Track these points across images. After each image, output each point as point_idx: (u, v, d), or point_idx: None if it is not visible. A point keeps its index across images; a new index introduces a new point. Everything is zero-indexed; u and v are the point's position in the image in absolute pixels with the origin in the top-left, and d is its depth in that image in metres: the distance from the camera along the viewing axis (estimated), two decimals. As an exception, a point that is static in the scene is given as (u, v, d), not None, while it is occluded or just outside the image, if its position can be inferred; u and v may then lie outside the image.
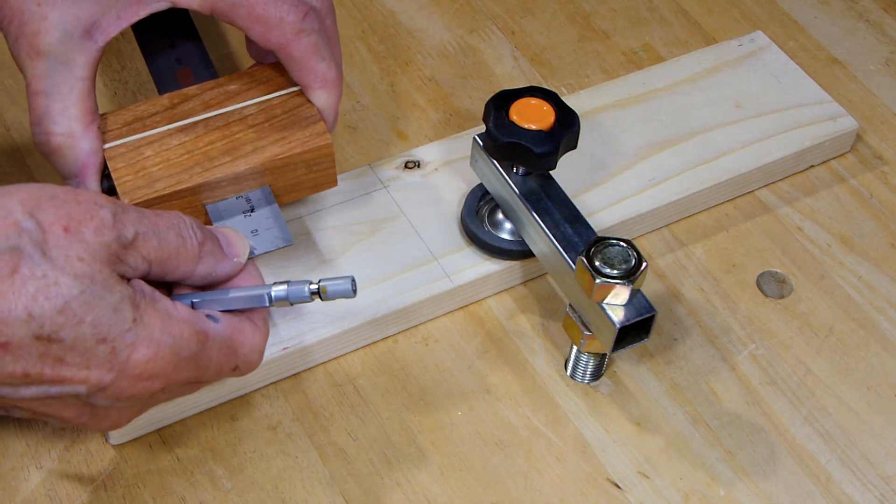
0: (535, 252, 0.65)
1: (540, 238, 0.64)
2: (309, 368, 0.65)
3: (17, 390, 0.49)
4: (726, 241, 0.71)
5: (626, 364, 0.66)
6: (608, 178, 0.71)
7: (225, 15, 0.61)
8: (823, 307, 0.68)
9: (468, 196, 0.69)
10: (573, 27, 0.83)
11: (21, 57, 0.59)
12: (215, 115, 0.62)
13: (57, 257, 0.47)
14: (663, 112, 0.75)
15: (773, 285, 0.70)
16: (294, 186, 0.63)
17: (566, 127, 0.63)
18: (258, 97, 0.63)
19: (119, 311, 0.49)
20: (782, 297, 0.69)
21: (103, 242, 0.49)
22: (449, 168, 0.72)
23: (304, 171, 0.63)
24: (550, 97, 0.64)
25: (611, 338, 0.59)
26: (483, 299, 0.68)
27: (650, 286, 0.69)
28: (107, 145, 0.61)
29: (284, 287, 0.55)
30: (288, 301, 0.55)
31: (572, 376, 0.65)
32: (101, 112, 0.62)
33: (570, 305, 0.62)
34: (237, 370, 0.55)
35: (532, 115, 0.63)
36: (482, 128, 0.73)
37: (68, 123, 0.59)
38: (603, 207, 0.69)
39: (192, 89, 0.64)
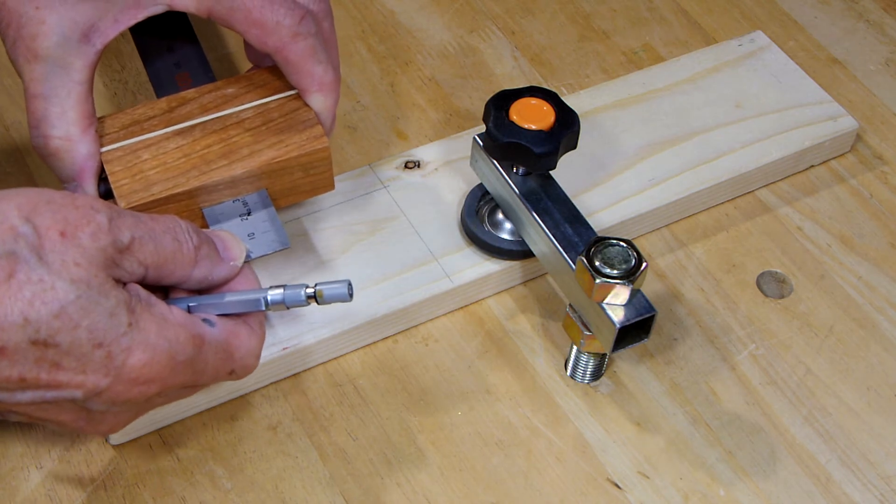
0: (535, 252, 0.65)
1: (540, 238, 0.64)
2: (309, 368, 0.65)
3: (13, 395, 0.49)
4: (726, 241, 0.71)
5: (626, 364, 0.66)
6: (608, 178, 0.71)
7: (222, 18, 0.61)
8: (823, 307, 0.68)
9: (468, 196, 0.69)
10: (573, 27, 0.83)
11: (19, 60, 0.59)
12: (212, 119, 0.62)
13: (53, 262, 0.47)
14: (663, 112, 0.75)
15: (773, 285, 0.70)
16: (291, 190, 0.63)
17: (566, 127, 0.63)
18: (255, 101, 0.63)
19: (115, 315, 0.49)
20: (782, 297, 0.69)
21: (99, 247, 0.49)
22: (449, 168, 0.72)
23: (301, 174, 0.63)
24: (550, 97, 0.64)
25: (611, 338, 0.59)
26: (483, 299, 0.68)
27: (650, 286, 0.69)
28: (104, 149, 0.61)
29: (281, 291, 0.55)
30: (284, 305, 0.55)
31: (572, 376, 0.65)
32: (98, 115, 0.62)
33: (570, 305, 0.62)
34: (233, 374, 0.55)
35: (532, 115, 0.63)
36: (482, 128, 0.73)
37: (66, 127, 0.59)
38: (603, 207, 0.69)
39: (189, 93, 0.64)
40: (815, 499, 0.61)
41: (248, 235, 0.61)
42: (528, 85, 0.76)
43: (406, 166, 0.72)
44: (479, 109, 0.78)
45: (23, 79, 0.59)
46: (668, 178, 0.71)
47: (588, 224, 0.63)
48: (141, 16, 0.61)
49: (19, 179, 0.73)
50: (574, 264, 0.61)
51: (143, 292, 0.51)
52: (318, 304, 0.55)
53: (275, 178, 0.62)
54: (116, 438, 0.61)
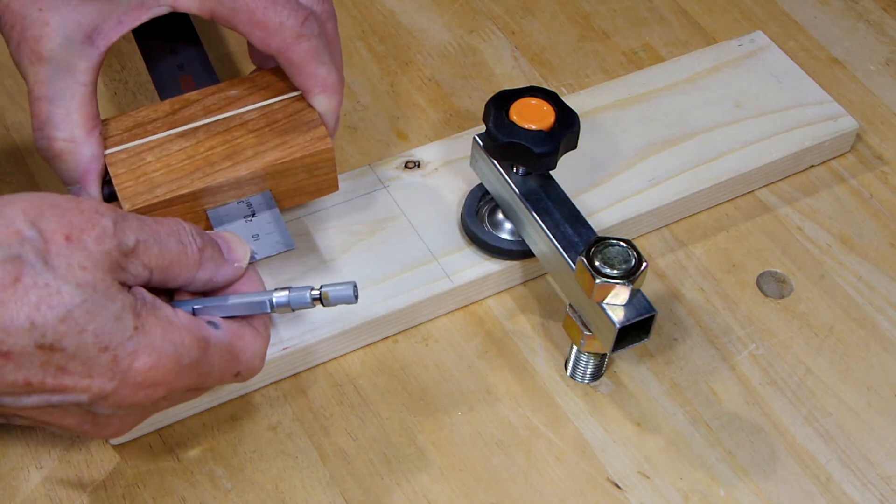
0: (535, 252, 0.65)
1: (540, 238, 0.64)
2: (309, 368, 0.65)
3: (19, 399, 0.49)
4: (726, 241, 0.71)
5: (626, 364, 0.66)
6: (608, 178, 0.71)
7: (225, 19, 0.61)
8: (823, 307, 0.68)
9: (468, 196, 0.69)
10: (573, 27, 0.83)
11: (23, 62, 0.59)
12: (216, 121, 0.62)
13: (59, 266, 0.47)
14: (663, 112, 0.75)
15: (773, 285, 0.70)
16: (295, 191, 0.63)
17: (566, 127, 0.63)
18: (259, 102, 0.63)
19: (121, 319, 0.49)
20: (782, 297, 0.69)
21: (105, 251, 0.49)
22: (449, 168, 0.72)
23: (305, 175, 0.63)
24: (550, 97, 0.64)
25: (611, 338, 0.59)
26: (483, 299, 0.68)
27: (650, 286, 0.69)
28: (107, 151, 0.61)
29: (286, 293, 0.55)
30: (290, 307, 0.55)
31: (572, 376, 0.65)
32: (102, 117, 0.62)
33: (570, 305, 0.62)
34: (239, 376, 0.55)
35: (532, 115, 0.63)
36: (482, 128, 0.73)
37: (70, 129, 0.59)
38: (603, 207, 0.69)
39: (193, 94, 0.64)
40: (815, 499, 0.61)
41: (253, 237, 0.61)
42: (528, 85, 0.76)
43: (406, 166, 0.72)
44: (479, 109, 0.78)
45: (27, 81, 0.59)
46: (668, 178, 0.71)
47: (588, 224, 0.63)
48: (144, 17, 0.61)
49: (20, 180, 0.73)
50: (574, 264, 0.61)
51: (148, 296, 0.51)
52: (323, 306, 0.55)
53: (279, 180, 0.62)
54: (116, 439, 0.61)
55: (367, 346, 0.66)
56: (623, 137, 0.73)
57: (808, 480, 0.61)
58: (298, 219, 0.68)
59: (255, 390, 0.64)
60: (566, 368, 0.65)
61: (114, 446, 0.62)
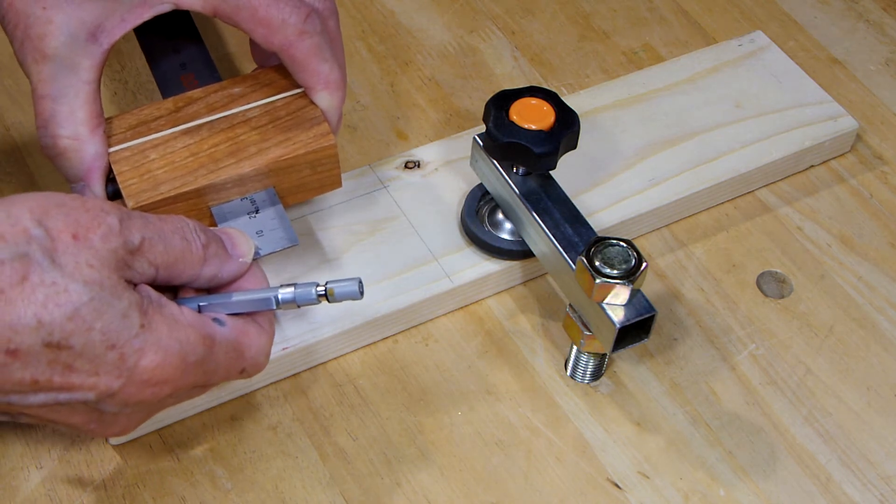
0: (535, 252, 0.65)
1: (540, 238, 0.64)
2: (309, 368, 0.65)
3: (26, 397, 0.49)
4: (726, 241, 0.71)
5: (626, 364, 0.66)
6: (608, 178, 0.71)
7: (228, 17, 0.61)
8: (823, 307, 0.68)
9: (468, 196, 0.69)
10: (573, 27, 0.83)
11: (27, 61, 0.59)
12: (219, 118, 0.63)
13: (66, 264, 0.48)
14: (663, 112, 0.75)
15: (773, 285, 0.70)
16: (299, 188, 0.63)
17: (566, 127, 0.63)
18: (262, 99, 0.63)
19: (127, 317, 0.49)
20: (782, 297, 0.69)
21: (111, 249, 0.49)
22: (449, 168, 0.72)
23: (309, 172, 0.63)
24: (550, 97, 0.64)
25: (611, 338, 0.59)
26: (483, 299, 0.68)
27: (650, 286, 0.69)
28: (111, 149, 0.61)
29: (291, 290, 0.55)
30: (295, 303, 0.55)
31: (572, 376, 0.65)
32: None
33: (570, 305, 0.62)
34: (244, 373, 0.55)
35: (532, 115, 0.63)
36: (482, 128, 0.73)
37: (74, 127, 0.59)
38: (603, 207, 0.69)
39: (196, 92, 0.64)
40: (815, 499, 0.61)
41: (257, 233, 0.61)
42: (528, 85, 0.76)
43: (406, 166, 0.72)
44: (479, 109, 0.78)
45: (30, 79, 0.59)
46: (668, 178, 0.71)
47: (588, 224, 0.63)
48: (147, 15, 0.61)
49: (20, 179, 0.73)
50: (574, 264, 0.61)
51: (153, 293, 0.51)
52: (328, 302, 0.55)
53: (282, 176, 0.62)
54: (117, 438, 0.61)
55: (368, 345, 0.66)
56: (623, 137, 0.73)
57: (808, 480, 0.61)
58: (299, 218, 0.68)
59: (256, 390, 0.64)
60: (566, 368, 0.65)
61: (114, 446, 0.62)
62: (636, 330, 0.60)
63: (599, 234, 0.63)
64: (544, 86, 0.79)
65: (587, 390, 0.65)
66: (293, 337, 0.63)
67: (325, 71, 0.62)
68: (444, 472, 0.61)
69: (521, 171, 0.65)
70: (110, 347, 0.48)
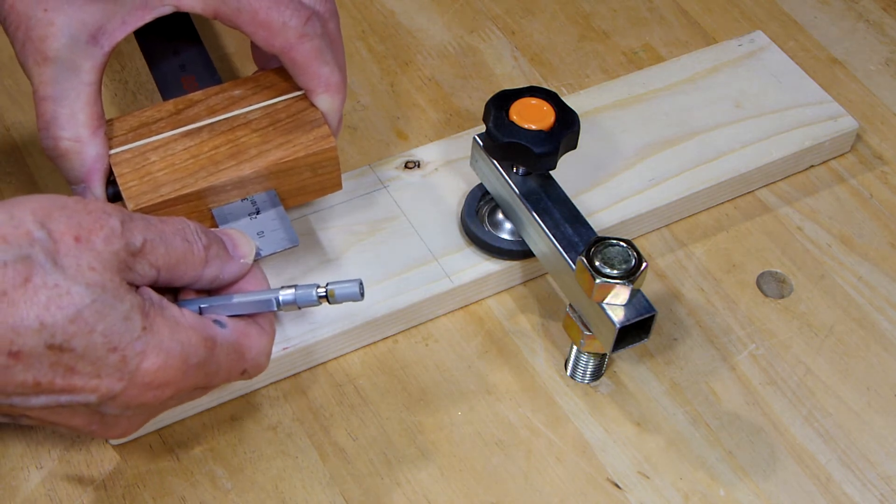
0: (535, 252, 0.65)
1: (540, 238, 0.64)
2: (309, 368, 0.65)
3: (28, 399, 0.49)
4: (726, 241, 0.71)
5: (626, 364, 0.66)
6: (608, 178, 0.71)
7: (228, 19, 0.61)
8: (823, 307, 0.68)
9: (468, 196, 0.69)
10: (573, 27, 0.83)
11: (28, 63, 0.59)
12: (220, 120, 0.63)
13: (68, 266, 0.48)
14: (663, 112, 0.75)
15: (773, 285, 0.70)
16: (299, 190, 0.63)
17: (566, 127, 0.63)
18: (262, 102, 0.63)
19: (129, 319, 0.49)
20: (782, 297, 0.69)
21: (113, 251, 0.49)
22: (449, 168, 0.72)
23: (309, 174, 0.63)
24: (550, 97, 0.64)
25: (611, 338, 0.59)
26: (483, 299, 0.68)
27: (650, 286, 0.69)
28: (112, 151, 0.61)
29: (292, 291, 0.55)
30: (296, 305, 0.55)
31: (572, 376, 0.65)
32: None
33: (570, 305, 0.62)
34: (245, 374, 0.55)
35: (532, 115, 0.63)
36: (482, 128, 0.73)
37: (76, 129, 0.59)
38: (603, 207, 0.69)
39: (196, 94, 0.64)
40: (815, 499, 0.61)
41: (258, 234, 0.61)
42: (528, 85, 0.76)
43: (406, 166, 0.72)
44: (479, 109, 0.78)
45: (31, 81, 0.60)
46: (668, 178, 0.71)
47: (588, 224, 0.63)
48: (148, 17, 0.61)
49: (20, 180, 0.73)
50: (574, 264, 0.61)
51: (155, 296, 0.51)
52: (329, 303, 0.55)
53: (283, 179, 0.62)
54: (117, 440, 0.61)
55: (368, 345, 0.66)
56: (623, 137, 0.73)
57: (808, 480, 0.61)
58: (299, 218, 0.68)
59: (255, 390, 0.64)
60: (566, 368, 0.65)
61: (114, 446, 0.62)
62: (636, 330, 0.60)
63: (599, 234, 0.63)
64: (544, 86, 0.79)
65: (587, 390, 0.65)
66: (293, 337, 0.63)
67: (326, 73, 0.62)
68: (444, 472, 0.61)
69: (521, 171, 0.65)
70: (112, 350, 0.48)
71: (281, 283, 0.65)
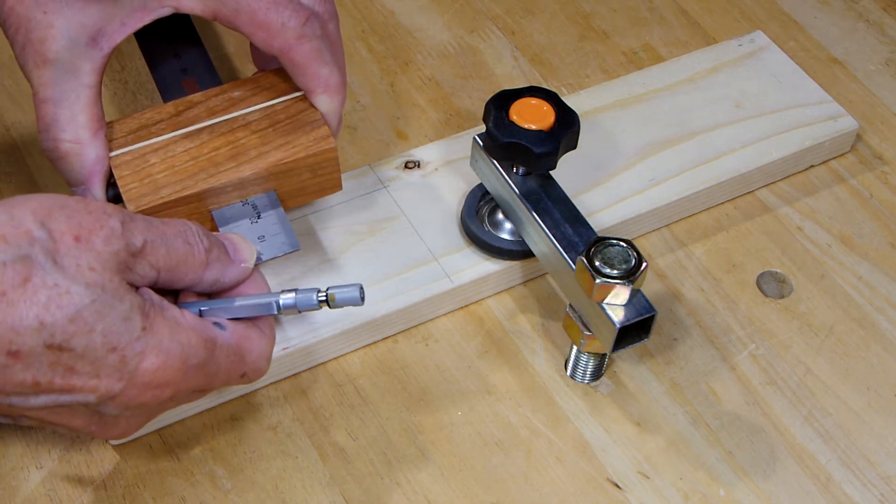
0: (535, 252, 0.65)
1: (540, 238, 0.64)
2: (309, 368, 0.65)
3: (27, 399, 0.49)
4: (726, 241, 0.71)
5: (626, 364, 0.66)
6: (608, 178, 0.71)
7: (227, 20, 0.61)
8: (823, 307, 0.68)
9: (468, 196, 0.69)
10: (573, 27, 0.83)
11: (28, 65, 0.59)
12: (220, 122, 0.63)
13: (68, 266, 0.48)
14: (663, 112, 0.75)
15: (773, 285, 0.70)
16: (299, 191, 0.63)
17: (566, 127, 0.63)
18: (262, 103, 0.63)
19: (129, 319, 0.49)
20: (782, 297, 0.69)
21: (113, 251, 0.49)
22: (449, 168, 0.72)
23: (309, 175, 0.63)
24: (550, 97, 0.64)
25: (611, 338, 0.59)
26: (483, 299, 0.68)
27: (650, 286, 0.69)
28: (112, 153, 0.61)
29: (292, 295, 0.55)
30: (296, 309, 0.55)
31: (572, 376, 0.65)
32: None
33: (570, 305, 0.62)
34: (245, 377, 0.55)
35: (532, 115, 0.63)
36: (482, 128, 0.73)
37: (76, 131, 0.59)
38: (603, 207, 0.69)
39: (196, 96, 0.64)
40: (815, 499, 0.61)
41: (259, 238, 0.61)
42: (528, 85, 0.76)
43: (406, 166, 0.72)
44: (479, 109, 0.78)
45: (31, 83, 0.60)
46: (668, 178, 0.71)
47: (588, 224, 0.63)
48: (147, 19, 0.61)
49: (19, 179, 0.73)
50: (574, 264, 0.61)
51: (155, 296, 0.51)
52: (329, 307, 0.55)
53: (283, 180, 0.62)
54: (117, 440, 0.61)
55: (368, 346, 0.66)
56: (623, 137, 0.73)
57: (808, 480, 0.61)
58: (299, 218, 0.68)
59: (256, 390, 0.64)
60: (566, 368, 0.65)
61: (114, 446, 0.62)
62: (636, 330, 0.60)
63: (599, 234, 0.63)
64: (544, 86, 0.79)
65: (587, 390, 0.65)
66: (293, 337, 0.63)
67: (325, 74, 0.62)
68: (444, 472, 0.61)
69: (521, 171, 0.65)
70: (111, 350, 0.48)
71: (281, 283, 0.65)
